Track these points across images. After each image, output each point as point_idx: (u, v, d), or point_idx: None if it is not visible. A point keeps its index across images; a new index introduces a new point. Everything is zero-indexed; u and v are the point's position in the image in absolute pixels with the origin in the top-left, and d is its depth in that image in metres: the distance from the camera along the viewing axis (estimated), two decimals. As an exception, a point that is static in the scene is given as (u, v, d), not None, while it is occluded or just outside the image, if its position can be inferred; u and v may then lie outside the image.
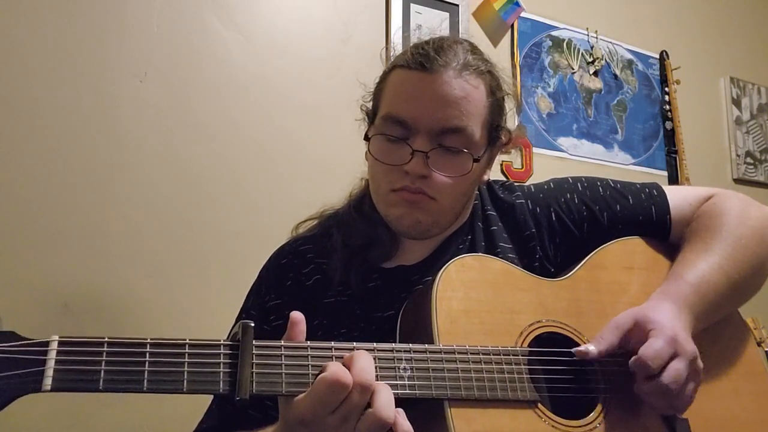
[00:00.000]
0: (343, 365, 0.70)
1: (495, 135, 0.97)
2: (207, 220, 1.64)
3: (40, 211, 1.46)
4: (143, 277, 1.55)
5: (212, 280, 1.61)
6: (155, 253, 1.57)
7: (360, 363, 0.70)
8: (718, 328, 0.97)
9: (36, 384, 0.62)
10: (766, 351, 1.95)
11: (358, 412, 0.69)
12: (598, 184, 1.07)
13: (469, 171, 0.92)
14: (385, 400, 0.69)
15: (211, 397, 0.97)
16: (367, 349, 0.75)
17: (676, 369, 0.81)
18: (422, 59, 0.91)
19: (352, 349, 0.74)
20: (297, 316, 0.75)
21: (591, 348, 0.84)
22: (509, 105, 1.02)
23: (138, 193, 1.57)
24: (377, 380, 0.71)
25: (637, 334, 0.85)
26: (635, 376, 0.83)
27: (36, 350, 0.63)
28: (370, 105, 1.01)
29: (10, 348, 0.62)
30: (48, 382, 0.62)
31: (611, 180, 1.09)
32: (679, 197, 1.05)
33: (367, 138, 0.96)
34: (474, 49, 0.97)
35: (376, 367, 0.72)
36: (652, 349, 0.81)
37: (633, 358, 0.82)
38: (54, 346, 0.64)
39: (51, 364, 0.63)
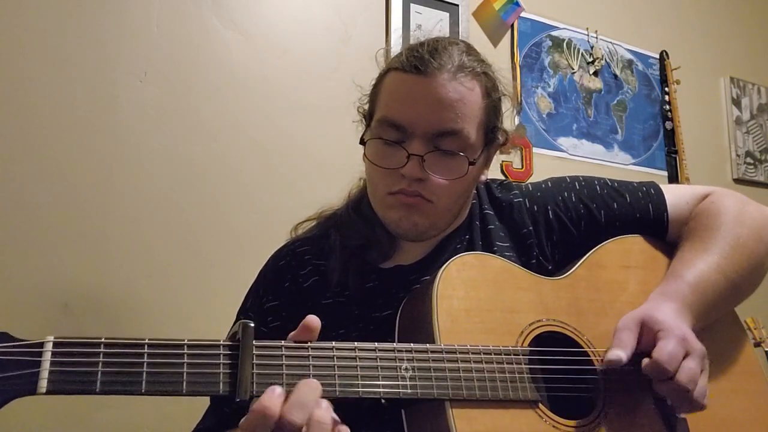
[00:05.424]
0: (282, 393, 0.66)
1: (492, 136, 0.97)
2: (207, 219, 1.64)
3: (40, 211, 1.46)
4: (143, 277, 1.55)
5: (212, 280, 1.61)
6: (155, 253, 1.57)
7: (295, 394, 0.66)
8: (714, 328, 0.97)
9: (30, 386, 0.60)
10: (766, 351, 1.94)
11: None
12: (596, 182, 1.07)
13: (466, 173, 0.92)
14: None
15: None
16: (368, 349, 0.75)
17: (690, 368, 0.81)
18: (417, 62, 0.90)
19: (353, 349, 0.74)
20: (314, 322, 0.73)
21: (621, 353, 0.82)
22: (507, 105, 1.01)
23: (138, 192, 1.57)
24: (379, 379, 0.70)
25: (645, 335, 0.85)
26: (653, 379, 0.82)
27: (30, 351, 0.61)
28: (366, 107, 1.00)
29: (2, 349, 0.60)
30: (43, 384, 0.61)
31: (608, 179, 1.09)
32: (676, 195, 1.06)
33: (362, 142, 0.96)
34: (470, 50, 0.96)
35: (377, 367, 0.72)
36: (665, 351, 0.80)
37: (646, 361, 0.81)
38: (49, 347, 0.62)
39: (46, 366, 0.61)
